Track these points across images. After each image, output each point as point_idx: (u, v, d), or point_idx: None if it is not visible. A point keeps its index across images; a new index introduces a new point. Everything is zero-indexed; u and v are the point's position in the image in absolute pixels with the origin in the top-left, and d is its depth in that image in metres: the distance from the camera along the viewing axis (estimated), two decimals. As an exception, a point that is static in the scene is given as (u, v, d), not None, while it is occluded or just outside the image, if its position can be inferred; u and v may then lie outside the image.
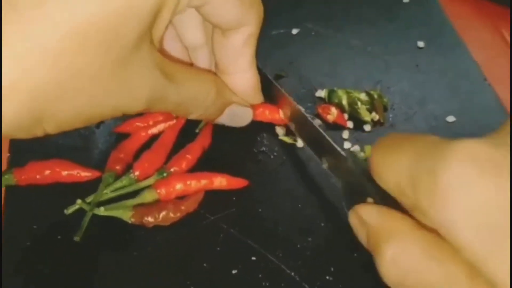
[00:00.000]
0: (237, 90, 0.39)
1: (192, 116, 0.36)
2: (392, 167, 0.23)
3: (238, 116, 0.40)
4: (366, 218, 0.26)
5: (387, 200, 0.26)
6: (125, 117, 0.48)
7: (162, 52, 0.37)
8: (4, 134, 0.26)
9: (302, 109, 0.42)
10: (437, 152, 0.20)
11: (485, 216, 0.19)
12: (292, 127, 0.46)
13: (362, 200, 0.30)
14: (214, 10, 0.32)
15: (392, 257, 0.23)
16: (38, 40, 0.24)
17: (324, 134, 0.39)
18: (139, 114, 0.47)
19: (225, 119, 0.39)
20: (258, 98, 0.40)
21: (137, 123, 0.47)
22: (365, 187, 0.29)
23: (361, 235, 0.26)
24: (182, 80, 0.33)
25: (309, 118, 0.41)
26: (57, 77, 0.25)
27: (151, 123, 0.47)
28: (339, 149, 0.37)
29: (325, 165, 0.40)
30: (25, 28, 0.24)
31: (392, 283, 0.24)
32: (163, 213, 0.41)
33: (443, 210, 0.20)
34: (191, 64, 0.40)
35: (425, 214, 0.21)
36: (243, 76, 0.37)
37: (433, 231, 0.23)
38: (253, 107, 0.42)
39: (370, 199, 0.30)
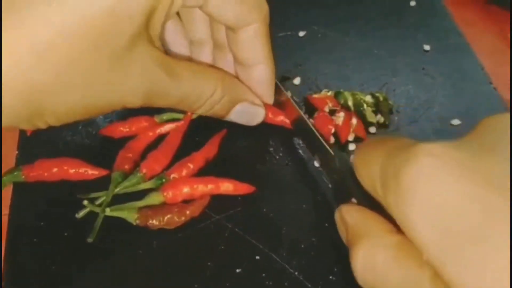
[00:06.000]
0: (253, 84, 0.39)
1: (199, 112, 0.36)
2: (368, 167, 0.24)
3: (248, 114, 0.40)
4: (346, 217, 0.26)
5: (369, 200, 0.26)
6: (110, 120, 0.49)
7: (166, 49, 0.38)
8: (6, 124, 0.28)
9: (296, 105, 0.42)
10: (403, 152, 0.21)
11: (442, 217, 0.18)
12: (291, 123, 0.46)
13: (347, 199, 0.30)
14: (214, 10, 0.33)
15: (362, 258, 0.24)
16: (32, 38, 0.26)
17: (316, 131, 0.39)
18: (123, 119, 0.48)
19: (234, 117, 0.40)
20: (270, 94, 0.41)
21: (121, 128, 0.47)
22: (350, 186, 0.29)
23: (342, 233, 0.27)
24: (184, 77, 0.33)
25: (304, 115, 0.41)
26: (51, 74, 0.27)
27: (133, 128, 0.47)
28: (328, 147, 0.37)
29: (317, 163, 0.41)
30: (21, 27, 0.26)
31: (364, 284, 0.24)
32: (167, 217, 0.41)
33: (404, 209, 0.20)
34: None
35: (392, 213, 0.21)
36: (258, 69, 0.38)
37: None
38: (265, 107, 0.43)
39: (354, 200, 0.30)
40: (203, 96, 0.35)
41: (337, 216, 0.28)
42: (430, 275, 0.20)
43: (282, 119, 0.47)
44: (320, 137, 0.38)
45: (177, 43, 0.39)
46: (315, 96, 0.49)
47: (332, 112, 0.48)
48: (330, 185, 0.36)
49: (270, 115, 0.46)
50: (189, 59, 0.40)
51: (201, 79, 0.35)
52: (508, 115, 0.22)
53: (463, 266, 0.18)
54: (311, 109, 0.49)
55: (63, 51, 0.26)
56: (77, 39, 0.26)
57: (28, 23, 0.26)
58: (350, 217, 0.26)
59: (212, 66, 0.39)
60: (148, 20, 0.29)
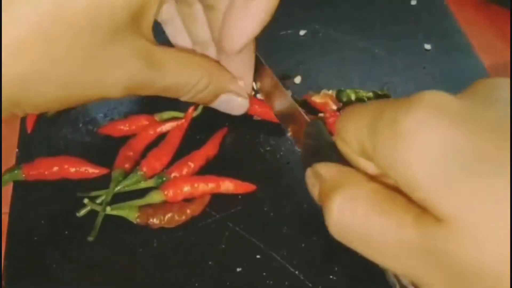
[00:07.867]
0: (234, 68, 0.39)
1: (182, 99, 0.36)
2: (355, 125, 0.23)
3: (231, 104, 0.40)
4: (321, 171, 0.25)
5: (346, 164, 0.25)
6: (110, 119, 0.49)
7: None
8: None
9: (273, 73, 0.41)
10: (400, 103, 0.20)
11: (441, 154, 0.19)
12: (264, 97, 0.44)
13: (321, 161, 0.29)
14: None
15: (339, 207, 0.22)
16: (5, 33, 0.26)
17: (292, 99, 0.38)
18: (123, 117, 0.48)
19: (218, 105, 0.40)
20: (249, 83, 0.40)
21: (121, 126, 0.47)
22: (326, 153, 0.28)
23: (314, 190, 0.25)
24: (170, 67, 0.33)
25: (280, 84, 0.40)
26: (24, 67, 0.27)
27: (134, 127, 0.47)
28: (304, 114, 0.36)
29: (289, 133, 0.39)
30: None
31: (340, 237, 0.23)
32: (168, 215, 0.41)
33: (400, 151, 0.20)
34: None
35: (380, 162, 0.21)
36: (240, 56, 0.37)
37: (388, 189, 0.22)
38: (250, 99, 0.42)
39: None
40: (188, 85, 0.35)
41: (309, 173, 0.26)
42: (414, 216, 0.20)
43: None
44: (296, 104, 0.37)
45: (179, 45, 0.39)
46: (315, 99, 0.49)
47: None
48: (300, 150, 0.35)
49: (270, 115, 0.46)
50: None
51: (187, 69, 0.35)
52: (504, 79, 0.22)
53: (460, 200, 0.18)
54: (311, 111, 0.49)
55: (37, 47, 0.26)
56: (53, 37, 0.26)
57: (3, 18, 0.25)
58: (326, 170, 0.25)
59: (200, 54, 0.39)
60: (136, 11, 0.29)
